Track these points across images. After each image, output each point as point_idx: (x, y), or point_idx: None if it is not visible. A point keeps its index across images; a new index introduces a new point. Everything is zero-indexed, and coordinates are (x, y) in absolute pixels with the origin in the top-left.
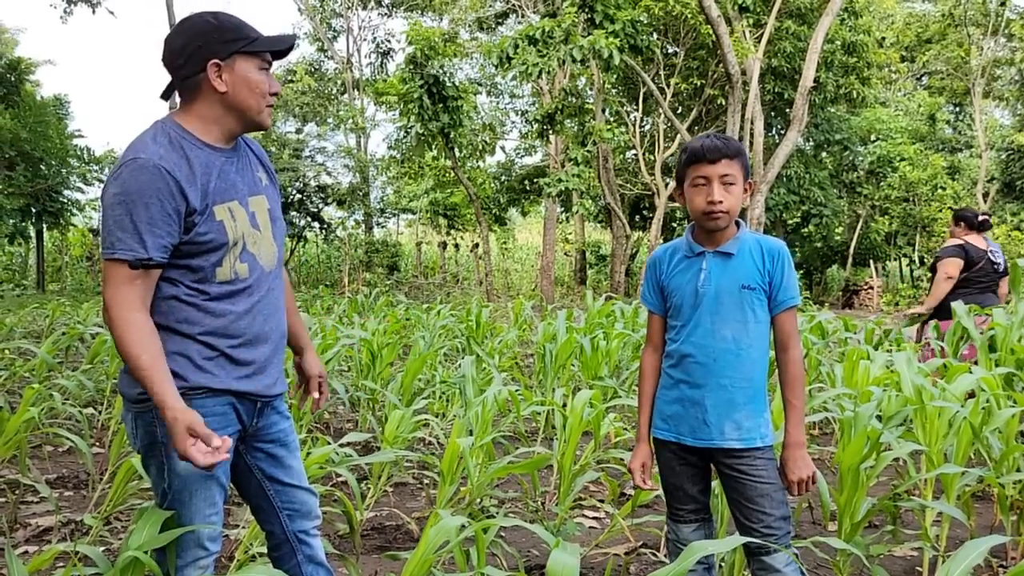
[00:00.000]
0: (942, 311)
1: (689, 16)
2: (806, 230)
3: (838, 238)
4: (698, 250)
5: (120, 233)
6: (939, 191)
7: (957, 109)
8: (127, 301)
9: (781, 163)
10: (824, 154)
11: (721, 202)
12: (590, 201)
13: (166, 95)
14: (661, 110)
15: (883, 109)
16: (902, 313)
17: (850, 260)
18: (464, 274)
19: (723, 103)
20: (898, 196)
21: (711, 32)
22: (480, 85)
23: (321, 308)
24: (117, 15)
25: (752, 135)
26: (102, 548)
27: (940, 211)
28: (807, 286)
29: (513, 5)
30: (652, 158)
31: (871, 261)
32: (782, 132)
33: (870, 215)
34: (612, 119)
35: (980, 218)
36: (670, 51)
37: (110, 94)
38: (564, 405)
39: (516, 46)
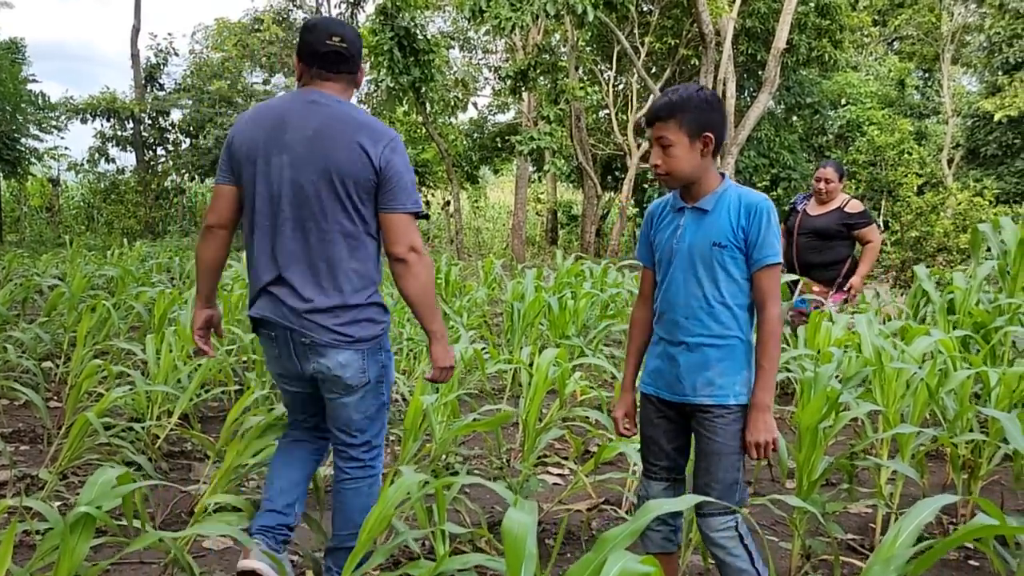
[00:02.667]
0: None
1: None
2: (774, 193)
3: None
4: (679, 206)
5: (414, 192)
6: (905, 156)
7: (926, 75)
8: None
9: (752, 125)
10: (795, 118)
11: (658, 164)
12: (562, 160)
13: (338, 70)
14: (635, 69)
15: (854, 74)
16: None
17: None
18: (435, 232)
19: (697, 63)
20: (865, 160)
21: None
22: (452, 39)
23: None
24: None
25: (724, 96)
26: (57, 503)
27: (906, 176)
28: None
29: None
30: (625, 118)
31: None
32: (754, 94)
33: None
34: (586, 78)
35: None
36: (645, 9)
37: (70, 37)
38: (531, 364)
39: None
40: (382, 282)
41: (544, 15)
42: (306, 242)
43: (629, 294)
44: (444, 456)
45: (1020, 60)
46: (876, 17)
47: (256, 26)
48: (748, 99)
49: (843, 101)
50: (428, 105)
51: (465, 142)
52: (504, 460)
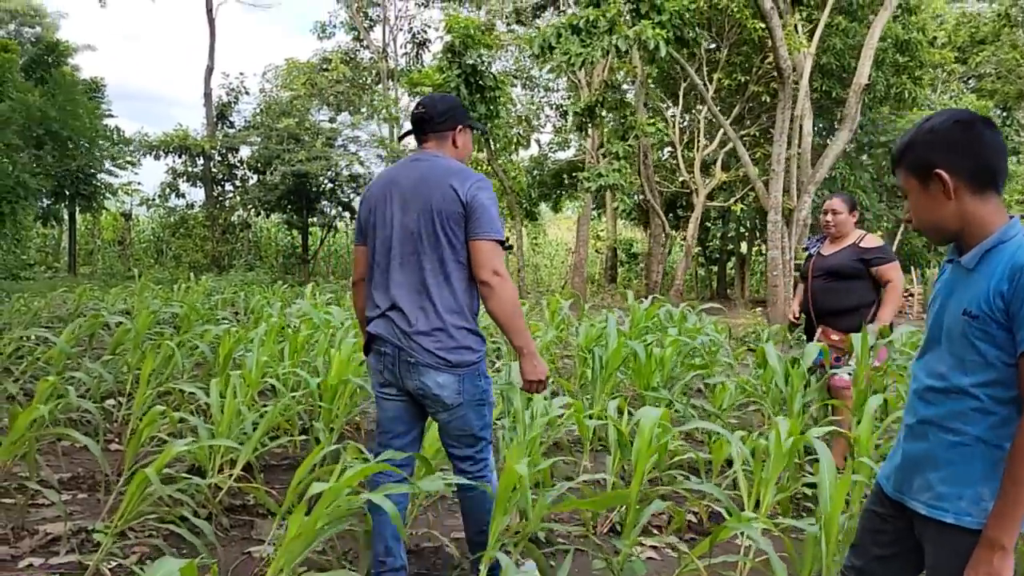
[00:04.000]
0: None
1: (735, 9)
2: None
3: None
4: (949, 257)
5: (497, 223)
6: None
7: (1004, 114)
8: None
9: (831, 163)
10: (865, 156)
11: (908, 218)
12: (628, 198)
13: (403, 137)
14: (702, 106)
15: (929, 112)
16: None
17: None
18: None
19: (767, 100)
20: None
21: (757, 27)
22: (515, 77)
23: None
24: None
25: (801, 134)
26: (112, 565)
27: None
28: None
29: None
30: (691, 155)
31: (911, 268)
32: (825, 132)
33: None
34: (650, 114)
35: None
36: (713, 46)
37: (147, 80)
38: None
39: (559, 35)
40: (478, 312)
41: (615, 50)
42: (412, 274)
43: (710, 341)
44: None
45: None
46: (956, 54)
47: (324, 66)
48: (819, 137)
49: None
50: (493, 142)
51: (526, 178)
52: (591, 526)
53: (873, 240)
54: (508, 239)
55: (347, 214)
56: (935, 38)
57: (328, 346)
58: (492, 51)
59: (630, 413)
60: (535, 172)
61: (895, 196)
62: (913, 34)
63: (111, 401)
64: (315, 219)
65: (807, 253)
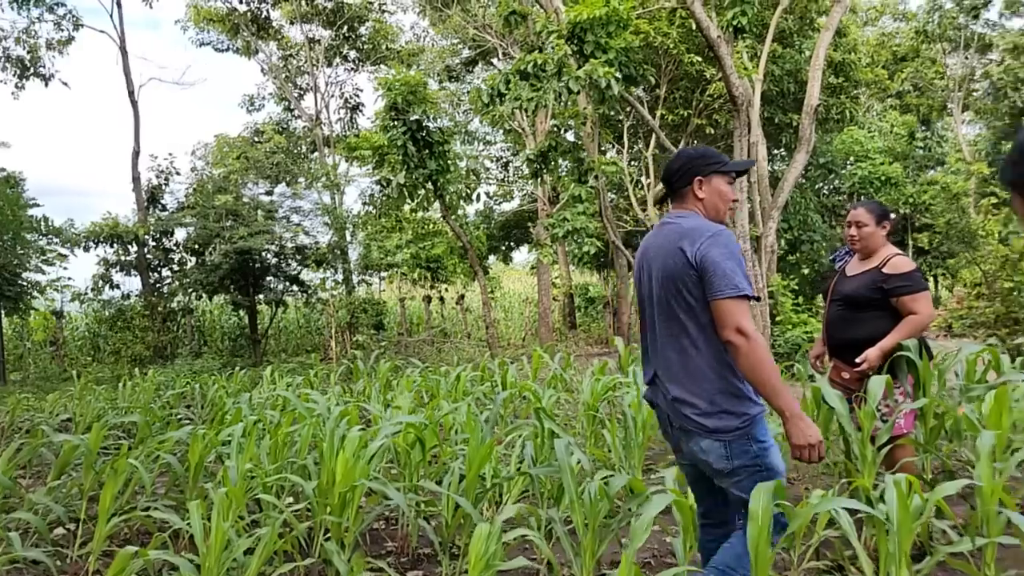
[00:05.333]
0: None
1: (671, 46)
2: (792, 258)
3: (825, 263)
4: None
5: (734, 277)
6: (931, 210)
7: (924, 127)
8: (753, 326)
9: (791, 187)
10: (803, 180)
11: None
12: (593, 241)
13: (661, 202)
14: (645, 148)
15: (859, 131)
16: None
17: None
18: (451, 328)
19: (711, 132)
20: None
21: (694, 61)
22: (453, 133)
23: (314, 378)
24: (72, 86)
25: (757, 160)
26: None
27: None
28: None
29: (482, 52)
30: (641, 194)
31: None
32: (771, 157)
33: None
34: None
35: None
36: (651, 84)
37: (70, 174)
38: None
39: (508, 81)
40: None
41: (567, 92)
42: (664, 341)
43: None
44: None
45: None
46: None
47: (257, 138)
48: (768, 164)
49: (851, 159)
50: (445, 198)
51: (475, 232)
52: None
53: (901, 263)
54: (753, 291)
55: (296, 288)
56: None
57: (320, 439)
58: (435, 105)
59: None
60: (482, 226)
61: (836, 215)
62: (846, 55)
63: (60, 531)
64: (262, 296)
65: (835, 266)
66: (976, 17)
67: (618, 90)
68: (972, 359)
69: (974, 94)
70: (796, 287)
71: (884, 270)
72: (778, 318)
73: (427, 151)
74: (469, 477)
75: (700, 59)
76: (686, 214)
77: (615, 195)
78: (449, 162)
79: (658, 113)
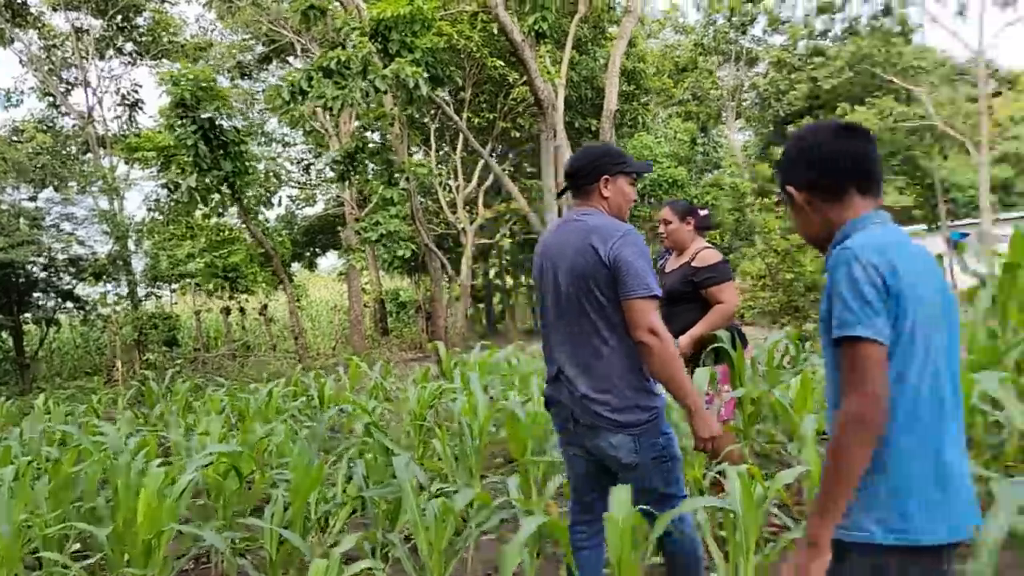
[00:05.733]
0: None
1: (474, 49)
2: None
3: None
4: None
5: (646, 277)
6: (715, 209)
7: (703, 133)
8: (663, 325)
9: None
10: None
11: None
12: (411, 243)
13: (561, 194)
14: (456, 146)
15: (648, 136)
16: None
17: None
18: (254, 341)
19: (516, 136)
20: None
21: (497, 65)
22: (248, 134)
23: (98, 404)
24: None
25: (557, 163)
26: None
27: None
28: None
29: (277, 48)
30: (450, 196)
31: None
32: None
33: (648, 239)
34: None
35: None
36: (455, 87)
37: None
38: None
39: (310, 78)
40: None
41: (374, 91)
42: (571, 338)
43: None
44: None
45: (788, 112)
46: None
47: (15, 137)
48: None
49: None
50: (243, 200)
51: (278, 239)
52: None
53: (709, 256)
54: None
55: (70, 304)
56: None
57: (111, 475)
58: (228, 103)
59: None
60: (284, 231)
61: (632, 218)
62: (637, 64)
63: None
64: (29, 315)
65: (658, 265)
66: (744, 33)
67: (426, 91)
68: (772, 346)
69: (744, 103)
70: None
71: (694, 264)
72: None
73: (221, 152)
74: (295, 506)
75: (503, 63)
76: (591, 211)
77: (424, 198)
78: (247, 163)
79: (464, 116)
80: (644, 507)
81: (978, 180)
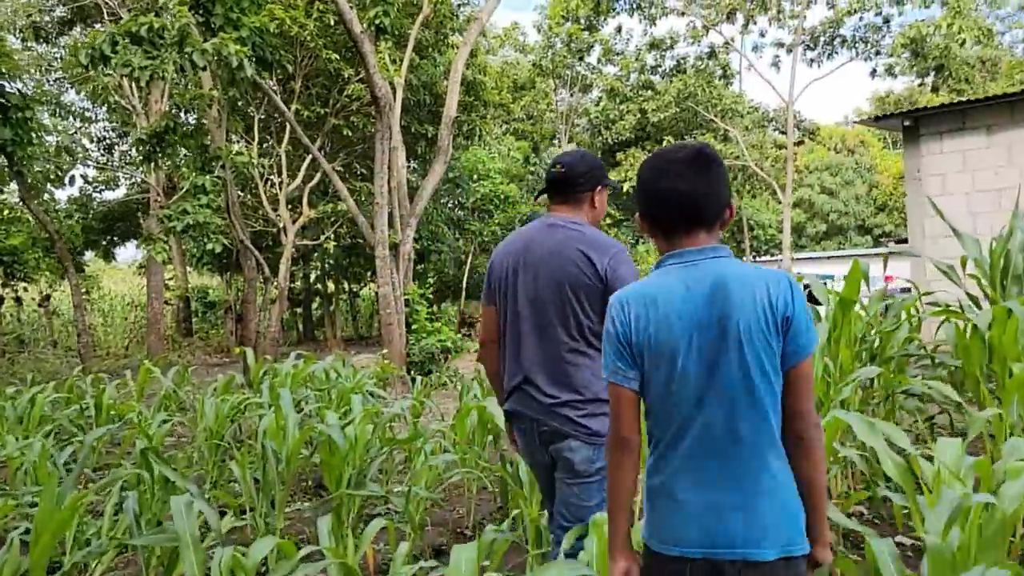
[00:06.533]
0: None
1: (308, 38)
2: (421, 267)
3: (448, 272)
4: None
5: None
6: None
7: (535, 153)
8: None
9: (429, 196)
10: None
11: None
12: (219, 237)
13: (539, 196)
14: (282, 140)
15: (482, 151)
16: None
17: (463, 295)
18: (31, 335)
19: (348, 134)
20: (503, 233)
21: (332, 57)
22: (40, 103)
23: None
24: None
25: (394, 167)
26: None
27: None
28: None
29: (81, 11)
30: (273, 192)
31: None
32: (405, 166)
33: (476, 252)
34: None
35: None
36: (285, 75)
37: None
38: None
39: (115, 43)
40: None
41: (191, 65)
42: (546, 345)
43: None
44: None
45: (616, 140)
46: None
47: None
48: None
49: (475, 176)
50: (25, 175)
51: (67, 222)
52: None
53: None
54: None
55: None
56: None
57: None
58: (13, 62)
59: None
60: (77, 215)
61: (461, 229)
62: (477, 75)
63: None
64: None
65: None
66: (581, 59)
67: (251, 73)
68: None
69: (576, 128)
70: (431, 296)
71: None
72: (414, 327)
73: (1, 116)
74: (37, 550)
75: (338, 57)
76: (579, 221)
77: (243, 191)
78: (32, 133)
79: (293, 107)
80: (564, 523)
81: (780, 220)
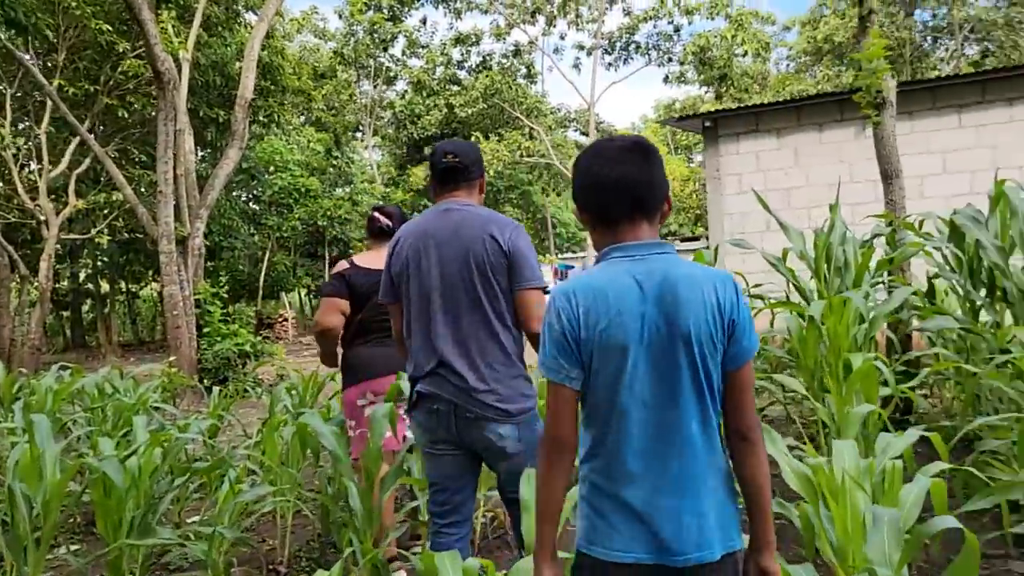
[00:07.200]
0: (348, 372)
1: (74, 4)
2: (211, 264)
3: (243, 270)
4: None
5: (538, 270)
6: (346, 221)
7: (336, 146)
8: None
9: (222, 185)
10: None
11: None
12: None
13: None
14: (42, 120)
15: (279, 141)
16: None
17: (260, 294)
18: None
19: (124, 116)
20: (303, 228)
21: (103, 28)
22: None
23: None
24: None
25: (180, 153)
26: None
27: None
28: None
29: None
30: (32, 180)
31: (281, 293)
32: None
33: (273, 248)
34: None
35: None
36: (48, 45)
37: None
38: None
39: None
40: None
41: None
42: (458, 327)
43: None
44: None
45: (422, 135)
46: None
47: None
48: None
49: (272, 168)
50: None
51: None
52: None
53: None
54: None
55: None
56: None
57: None
58: None
59: None
60: None
61: (257, 224)
62: (274, 57)
63: None
64: None
65: None
66: (385, 50)
67: (3, 36)
68: None
69: (381, 120)
70: (226, 295)
71: None
72: (206, 330)
73: None
74: None
75: (111, 29)
76: (472, 203)
77: None
78: None
79: (55, 82)
80: (513, 494)
81: None
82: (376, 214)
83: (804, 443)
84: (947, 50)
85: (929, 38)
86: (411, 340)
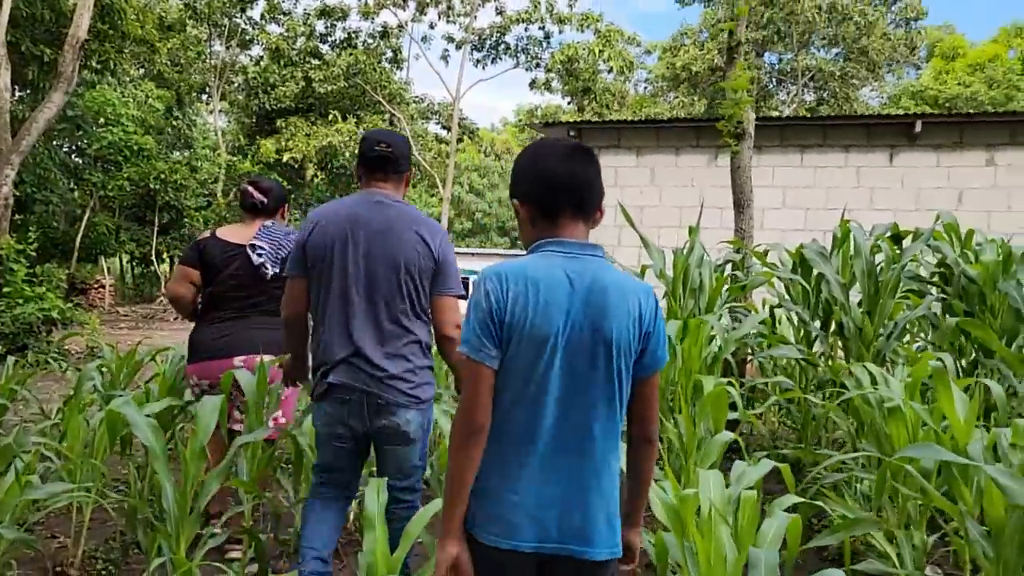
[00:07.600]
0: (188, 348)
1: None
2: (20, 217)
3: (57, 227)
4: None
5: (459, 278)
6: (182, 187)
7: (178, 106)
8: None
9: (40, 132)
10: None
11: None
12: None
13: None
14: None
15: (112, 92)
16: None
17: (75, 255)
18: None
19: None
20: (132, 190)
21: None
22: None
23: None
24: None
25: None
26: None
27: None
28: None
29: None
30: None
31: (100, 257)
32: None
33: (95, 207)
34: None
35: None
36: None
37: None
38: None
39: None
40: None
41: None
42: (377, 320)
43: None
44: None
45: (276, 107)
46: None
47: None
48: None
49: (102, 120)
50: None
51: None
52: None
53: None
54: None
55: None
56: (139, 16)
57: None
58: None
59: None
60: None
61: (80, 179)
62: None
63: None
64: None
65: None
66: (243, 11)
67: None
68: None
69: (231, 85)
70: (34, 253)
71: None
72: (6, 289)
73: None
74: None
75: None
76: (400, 199)
77: None
78: None
79: None
80: (395, 482)
81: (439, 213)
82: (250, 188)
83: (659, 463)
84: (788, 93)
85: (775, 80)
86: (323, 327)
